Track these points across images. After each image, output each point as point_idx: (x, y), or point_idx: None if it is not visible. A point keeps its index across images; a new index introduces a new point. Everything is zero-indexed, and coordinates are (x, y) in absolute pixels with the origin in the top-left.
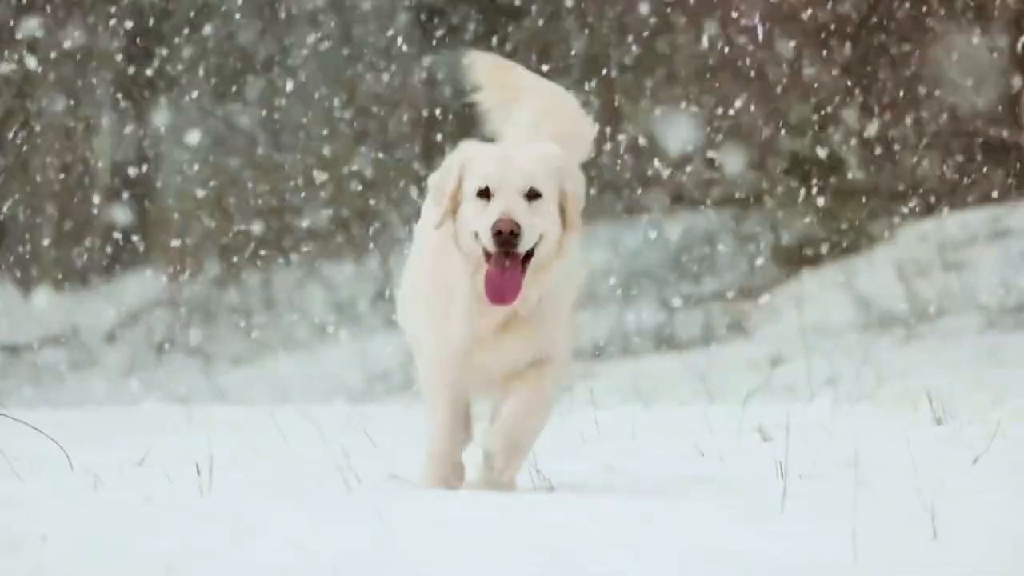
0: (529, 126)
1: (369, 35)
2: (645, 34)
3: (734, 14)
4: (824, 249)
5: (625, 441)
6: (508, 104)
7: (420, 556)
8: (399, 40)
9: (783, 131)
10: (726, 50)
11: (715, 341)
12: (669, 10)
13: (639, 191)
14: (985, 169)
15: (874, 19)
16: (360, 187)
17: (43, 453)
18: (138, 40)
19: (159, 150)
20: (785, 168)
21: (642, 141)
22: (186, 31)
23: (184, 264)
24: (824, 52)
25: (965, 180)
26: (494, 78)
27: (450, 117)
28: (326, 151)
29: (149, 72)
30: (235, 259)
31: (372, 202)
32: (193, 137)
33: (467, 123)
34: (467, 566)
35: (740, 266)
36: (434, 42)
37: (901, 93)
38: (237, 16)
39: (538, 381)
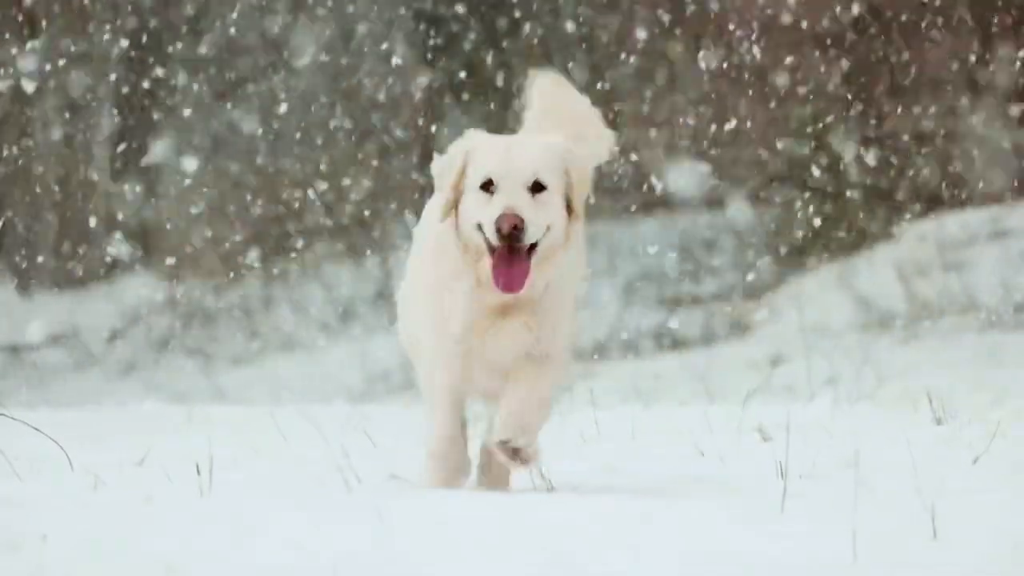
0: (543, 120)
1: (368, 44)
2: (643, 42)
3: (731, 26)
4: (824, 249)
5: (625, 441)
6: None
7: (420, 556)
8: (398, 49)
9: (783, 135)
10: (725, 61)
11: (715, 341)
12: (667, 23)
13: (638, 191)
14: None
15: (872, 29)
16: (359, 196)
17: (43, 453)
18: (140, 44)
19: (159, 157)
20: (785, 168)
21: (642, 150)
22: (186, 39)
23: (184, 269)
24: (823, 59)
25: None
26: (548, 98)
27: (446, 128)
28: (324, 159)
29: (147, 82)
30: (236, 263)
31: (367, 213)
32: (193, 145)
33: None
34: (467, 566)
35: (740, 266)
36: (432, 52)
37: (899, 107)
38: (232, 31)
39: (537, 380)
